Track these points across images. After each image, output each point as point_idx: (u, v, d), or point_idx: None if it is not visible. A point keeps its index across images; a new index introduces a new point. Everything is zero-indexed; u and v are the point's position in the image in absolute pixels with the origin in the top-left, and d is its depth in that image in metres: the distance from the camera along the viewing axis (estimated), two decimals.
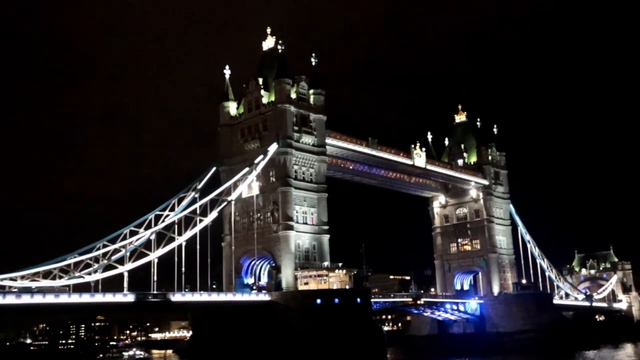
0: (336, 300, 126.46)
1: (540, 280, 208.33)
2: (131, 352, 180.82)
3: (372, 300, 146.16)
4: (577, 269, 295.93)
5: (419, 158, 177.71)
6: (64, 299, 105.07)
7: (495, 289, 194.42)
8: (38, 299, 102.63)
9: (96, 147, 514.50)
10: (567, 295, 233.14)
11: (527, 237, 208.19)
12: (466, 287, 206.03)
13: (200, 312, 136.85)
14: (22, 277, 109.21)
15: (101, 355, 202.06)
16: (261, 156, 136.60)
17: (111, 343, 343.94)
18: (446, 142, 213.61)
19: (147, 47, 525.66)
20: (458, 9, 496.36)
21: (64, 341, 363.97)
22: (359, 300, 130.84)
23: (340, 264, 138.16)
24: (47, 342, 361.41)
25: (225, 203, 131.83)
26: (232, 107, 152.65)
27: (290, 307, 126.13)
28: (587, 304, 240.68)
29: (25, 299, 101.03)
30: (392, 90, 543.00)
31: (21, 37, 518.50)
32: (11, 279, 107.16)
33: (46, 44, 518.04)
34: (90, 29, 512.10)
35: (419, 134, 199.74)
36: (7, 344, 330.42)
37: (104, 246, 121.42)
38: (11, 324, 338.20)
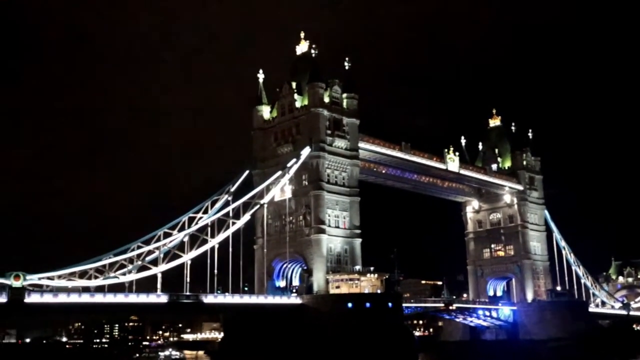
0: (367, 305, 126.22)
1: (575, 287, 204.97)
2: (167, 352, 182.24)
3: (404, 305, 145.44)
4: (613, 277, 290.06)
5: (452, 162, 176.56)
6: (99, 298, 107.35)
7: (529, 296, 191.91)
8: (74, 298, 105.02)
9: (134, 150, 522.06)
10: (603, 303, 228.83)
11: (562, 244, 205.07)
12: (499, 293, 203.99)
13: (232, 314, 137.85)
14: (59, 277, 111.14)
15: (137, 355, 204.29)
16: (294, 160, 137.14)
17: (144, 343, 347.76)
18: (480, 146, 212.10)
19: (182, 50, 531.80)
20: (493, 11, 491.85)
21: (98, 340, 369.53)
22: (390, 304, 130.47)
23: (372, 268, 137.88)
24: (82, 341, 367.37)
25: (257, 206, 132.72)
26: (266, 111, 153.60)
27: (321, 310, 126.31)
28: (624, 312, 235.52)
29: (62, 298, 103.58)
30: (426, 94, 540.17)
31: (43, 38, 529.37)
32: (48, 278, 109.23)
33: (78, 44, 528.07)
34: (119, 28, 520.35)
35: (452, 138, 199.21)
36: (44, 341, 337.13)
37: (138, 247, 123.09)
38: (48, 323, 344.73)
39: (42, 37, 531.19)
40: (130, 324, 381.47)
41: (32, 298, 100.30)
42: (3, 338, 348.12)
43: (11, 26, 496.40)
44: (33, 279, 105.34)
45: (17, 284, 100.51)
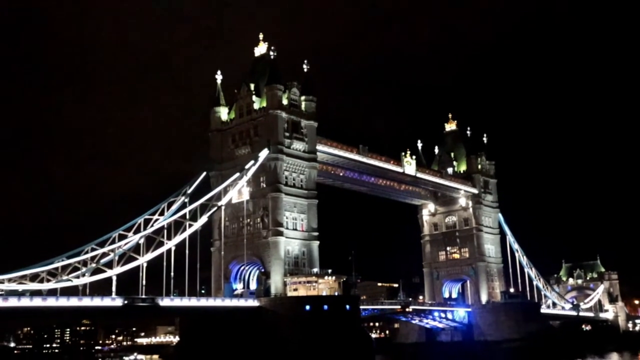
0: (325, 307, 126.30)
1: (528, 289, 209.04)
2: (132, 357, 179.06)
3: (361, 307, 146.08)
4: (564, 279, 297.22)
5: (409, 166, 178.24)
6: (51, 302, 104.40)
7: (484, 298, 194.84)
8: (25, 301, 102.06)
9: (86, 151, 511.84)
10: (554, 304, 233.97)
11: (516, 246, 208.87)
12: (454, 295, 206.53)
13: (189, 317, 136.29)
14: (9, 280, 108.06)
15: (100, 359, 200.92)
16: (252, 162, 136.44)
17: (96, 347, 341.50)
18: (436, 150, 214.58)
19: (140, 51, 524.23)
20: (448, 16, 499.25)
21: (48, 345, 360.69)
22: (348, 307, 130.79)
23: (329, 271, 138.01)
24: (31, 346, 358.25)
25: (215, 208, 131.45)
26: (224, 113, 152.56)
27: (279, 313, 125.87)
28: (574, 313, 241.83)
29: (12, 302, 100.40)
30: (383, 98, 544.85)
31: (36, 38, 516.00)
32: None
33: (44, 50, 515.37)
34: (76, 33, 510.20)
35: (409, 142, 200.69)
36: None
37: (93, 250, 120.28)
38: None
39: None
40: (82, 328, 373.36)
41: None
42: None
43: None
44: None
45: None
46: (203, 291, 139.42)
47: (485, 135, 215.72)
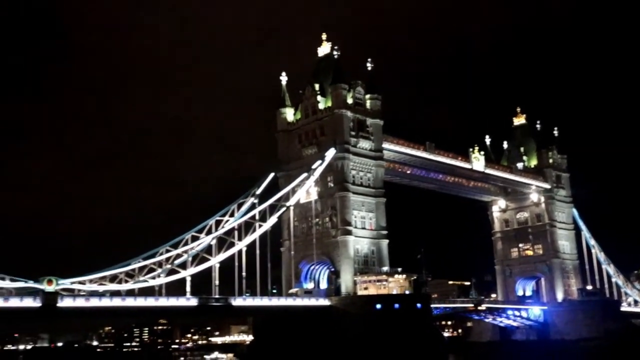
0: (396, 306, 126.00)
1: (606, 286, 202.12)
2: (213, 355, 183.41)
3: (432, 305, 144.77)
4: None
5: (478, 162, 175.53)
6: (130, 302, 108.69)
7: (559, 295, 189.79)
8: (106, 302, 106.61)
9: (158, 156, 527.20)
10: (635, 302, 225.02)
11: (592, 242, 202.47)
12: (528, 293, 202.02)
13: (261, 316, 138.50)
14: (90, 281, 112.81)
15: (182, 359, 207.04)
16: (319, 161, 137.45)
17: (173, 346, 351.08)
18: (505, 145, 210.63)
19: (206, 57, 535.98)
20: (517, 6, 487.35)
21: (128, 344, 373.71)
22: (419, 305, 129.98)
23: (399, 269, 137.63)
24: (112, 345, 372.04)
25: (284, 208, 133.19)
26: (289, 113, 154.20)
27: (349, 312, 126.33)
28: None
29: (94, 302, 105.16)
30: (450, 93, 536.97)
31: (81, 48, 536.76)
32: (80, 282, 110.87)
33: (114, 57, 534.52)
34: (137, 37, 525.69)
35: (477, 137, 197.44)
36: (76, 345, 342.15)
37: (167, 251, 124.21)
38: (79, 327, 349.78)
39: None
40: (160, 327, 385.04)
41: (65, 302, 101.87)
42: (36, 342, 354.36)
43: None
44: (65, 283, 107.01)
45: (50, 288, 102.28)
46: (274, 291, 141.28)
47: (556, 128, 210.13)
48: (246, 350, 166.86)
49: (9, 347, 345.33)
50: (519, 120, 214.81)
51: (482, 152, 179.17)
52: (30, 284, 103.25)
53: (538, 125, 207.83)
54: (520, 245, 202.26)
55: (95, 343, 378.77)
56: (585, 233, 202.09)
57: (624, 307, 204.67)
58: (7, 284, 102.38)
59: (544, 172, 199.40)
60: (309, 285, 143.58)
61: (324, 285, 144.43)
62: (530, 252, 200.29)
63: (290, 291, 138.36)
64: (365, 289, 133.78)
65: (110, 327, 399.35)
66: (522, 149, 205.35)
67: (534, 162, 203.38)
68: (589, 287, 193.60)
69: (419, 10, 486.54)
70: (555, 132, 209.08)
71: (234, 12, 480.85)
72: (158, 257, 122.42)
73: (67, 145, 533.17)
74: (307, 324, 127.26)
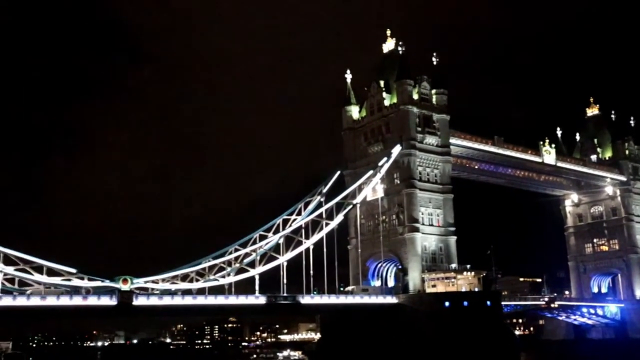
0: (465, 303, 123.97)
1: None
2: (285, 353, 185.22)
3: (503, 303, 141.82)
4: None
5: (549, 155, 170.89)
6: (201, 300, 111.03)
7: (638, 292, 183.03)
8: (178, 300, 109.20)
9: (224, 156, 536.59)
10: None
11: None
12: (604, 290, 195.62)
13: (329, 314, 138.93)
14: (163, 280, 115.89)
15: (255, 356, 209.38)
16: (385, 158, 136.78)
17: (243, 343, 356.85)
18: (577, 137, 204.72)
19: (271, 56, 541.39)
20: None
21: (199, 341, 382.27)
22: (488, 303, 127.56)
23: (468, 266, 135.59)
24: (184, 342, 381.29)
25: (350, 206, 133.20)
26: (355, 111, 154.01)
27: (418, 309, 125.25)
28: None
29: (167, 300, 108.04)
30: (517, 84, 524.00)
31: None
32: (153, 281, 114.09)
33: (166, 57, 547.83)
34: (211, 34, 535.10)
35: (547, 129, 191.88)
36: (150, 342, 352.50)
37: (236, 250, 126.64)
38: (153, 324, 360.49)
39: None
40: (230, 325, 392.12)
41: (140, 301, 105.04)
42: (113, 339, 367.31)
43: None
44: (140, 282, 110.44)
45: (125, 287, 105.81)
46: (342, 288, 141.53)
47: (632, 118, 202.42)
48: (315, 348, 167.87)
49: (88, 343, 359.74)
50: (592, 111, 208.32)
51: (553, 145, 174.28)
52: (107, 283, 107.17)
53: (613, 116, 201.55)
54: (595, 240, 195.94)
55: (168, 340, 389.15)
56: None
57: None
58: (85, 283, 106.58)
59: (619, 164, 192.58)
60: (376, 283, 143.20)
61: (391, 282, 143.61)
62: (605, 248, 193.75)
63: (347, 289, 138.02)
64: (433, 286, 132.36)
65: (182, 325, 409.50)
66: (595, 141, 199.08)
67: (608, 154, 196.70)
68: None
69: (485, 2, 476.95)
70: (632, 122, 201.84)
71: (299, 12, 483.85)
72: (227, 256, 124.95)
73: (141, 147, 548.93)
74: (375, 322, 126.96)
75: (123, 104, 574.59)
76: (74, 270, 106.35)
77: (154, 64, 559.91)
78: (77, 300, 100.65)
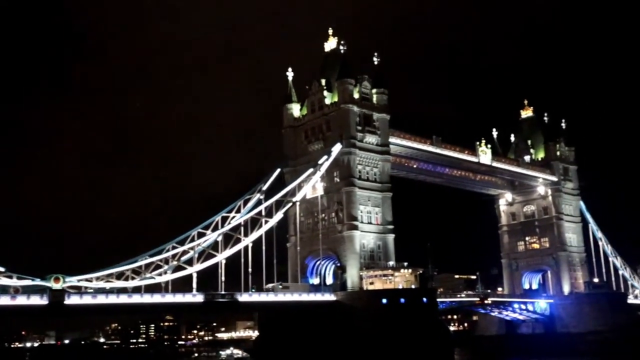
0: (402, 300, 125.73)
1: (613, 279, 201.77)
2: (228, 351, 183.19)
3: (438, 300, 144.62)
4: None
5: (485, 155, 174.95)
6: (136, 299, 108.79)
7: (566, 288, 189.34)
8: (112, 299, 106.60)
9: (161, 152, 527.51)
10: None
11: (599, 235, 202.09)
12: (535, 287, 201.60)
13: (267, 312, 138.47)
14: (97, 279, 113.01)
15: (196, 354, 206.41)
16: (325, 157, 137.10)
17: (179, 342, 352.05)
18: (512, 138, 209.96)
19: (209, 52, 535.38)
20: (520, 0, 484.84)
21: (134, 340, 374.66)
22: (425, 299, 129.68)
23: (405, 264, 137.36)
24: (119, 341, 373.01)
25: (290, 204, 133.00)
26: (296, 109, 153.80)
27: (355, 307, 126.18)
28: None
29: (101, 299, 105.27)
30: (456, 85, 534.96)
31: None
32: (87, 280, 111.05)
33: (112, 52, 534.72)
34: (140, 35, 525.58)
35: (483, 130, 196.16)
36: (82, 342, 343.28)
37: (173, 248, 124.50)
38: (86, 324, 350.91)
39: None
40: (166, 323, 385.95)
41: (72, 300, 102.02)
42: (43, 340, 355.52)
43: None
44: (72, 281, 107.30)
45: (57, 286, 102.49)
46: (280, 286, 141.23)
47: (563, 120, 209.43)
48: (252, 346, 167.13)
49: (16, 344, 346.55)
50: (527, 113, 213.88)
51: (489, 146, 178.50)
52: (38, 282, 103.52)
53: (545, 118, 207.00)
54: (527, 238, 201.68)
55: (102, 340, 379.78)
56: (593, 226, 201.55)
57: (631, 300, 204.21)
58: (14, 282, 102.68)
59: (551, 165, 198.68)
60: (315, 281, 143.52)
61: (329, 280, 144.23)
62: (536, 246, 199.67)
63: (267, 287, 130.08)
64: (371, 283, 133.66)
65: (116, 324, 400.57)
66: (529, 142, 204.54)
67: (541, 155, 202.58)
68: (596, 280, 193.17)
69: (424, 4, 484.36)
70: (563, 125, 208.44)
71: (241, 8, 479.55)
72: (164, 253, 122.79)
73: (73, 146, 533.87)
74: (313, 319, 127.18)
75: (60, 97, 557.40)
76: (2, 269, 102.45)
77: (98, 56, 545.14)
78: (5, 300, 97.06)
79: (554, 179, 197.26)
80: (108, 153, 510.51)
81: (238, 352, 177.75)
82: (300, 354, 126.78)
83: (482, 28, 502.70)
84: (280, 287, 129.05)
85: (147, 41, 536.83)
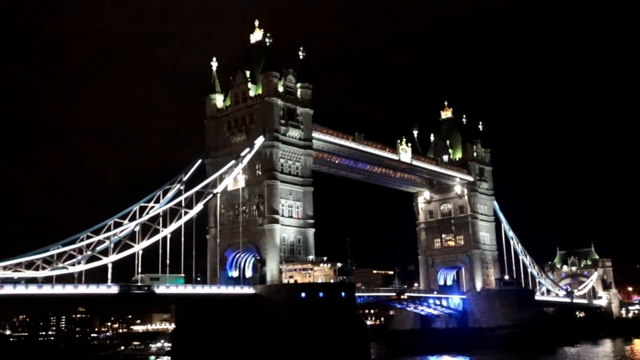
0: (321, 294, 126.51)
1: (522, 276, 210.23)
2: (159, 344, 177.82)
3: (357, 294, 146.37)
4: (558, 266, 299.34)
5: (405, 153, 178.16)
6: (47, 289, 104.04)
7: (478, 285, 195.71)
8: (20, 289, 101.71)
9: (81, 139, 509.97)
10: (548, 291, 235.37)
11: (510, 234, 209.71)
12: (449, 283, 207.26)
13: (184, 304, 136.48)
14: (5, 268, 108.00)
15: (123, 347, 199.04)
16: (247, 149, 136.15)
17: (92, 335, 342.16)
18: (432, 138, 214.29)
19: (132, 39, 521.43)
20: (444, 2, 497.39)
21: (44, 333, 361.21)
22: (343, 294, 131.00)
23: (325, 258, 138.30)
24: (26, 334, 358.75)
25: (210, 196, 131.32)
26: (219, 100, 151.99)
27: (274, 300, 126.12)
28: (567, 300, 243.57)
29: (8, 290, 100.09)
30: (380, 84, 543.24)
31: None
32: None
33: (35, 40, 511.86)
34: (71, 27, 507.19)
35: (405, 129, 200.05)
36: None
37: (88, 237, 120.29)
38: None
39: None
40: (78, 315, 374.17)
41: None
42: None
43: None
44: None
45: None
46: (199, 279, 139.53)
47: (480, 122, 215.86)
48: (169, 339, 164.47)
49: None
50: (446, 114, 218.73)
51: (410, 144, 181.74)
52: None
53: (464, 119, 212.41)
54: (443, 235, 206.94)
55: (7, 332, 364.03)
56: (505, 225, 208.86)
57: (538, 296, 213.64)
58: None
59: (468, 165, 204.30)
60: (234, 273, 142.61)
61: (249, 273, 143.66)
62: (452, 243, 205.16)
63: (134, 278, 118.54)
64: (291, 277, 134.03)
65: (24, 316, 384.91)
66: (448, 142, 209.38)
67: (459, 155, 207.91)
68: (507, 277, 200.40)
69: (353, 2, 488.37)
70: (480, 127, 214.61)
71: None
72: (78, 243, 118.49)
73: None
74: (231, 313, 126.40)
75: None
76: None
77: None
78: None
79: (470, 179, 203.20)
80: (21, 142, 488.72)
81: (169, 345, 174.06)
82: (217, 347, 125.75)
83: (407, 28, 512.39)
84: (150, 279, 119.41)
85: (60, 27, 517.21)
